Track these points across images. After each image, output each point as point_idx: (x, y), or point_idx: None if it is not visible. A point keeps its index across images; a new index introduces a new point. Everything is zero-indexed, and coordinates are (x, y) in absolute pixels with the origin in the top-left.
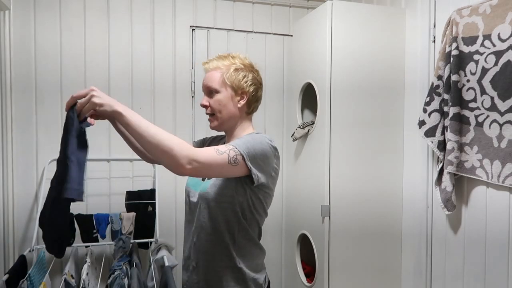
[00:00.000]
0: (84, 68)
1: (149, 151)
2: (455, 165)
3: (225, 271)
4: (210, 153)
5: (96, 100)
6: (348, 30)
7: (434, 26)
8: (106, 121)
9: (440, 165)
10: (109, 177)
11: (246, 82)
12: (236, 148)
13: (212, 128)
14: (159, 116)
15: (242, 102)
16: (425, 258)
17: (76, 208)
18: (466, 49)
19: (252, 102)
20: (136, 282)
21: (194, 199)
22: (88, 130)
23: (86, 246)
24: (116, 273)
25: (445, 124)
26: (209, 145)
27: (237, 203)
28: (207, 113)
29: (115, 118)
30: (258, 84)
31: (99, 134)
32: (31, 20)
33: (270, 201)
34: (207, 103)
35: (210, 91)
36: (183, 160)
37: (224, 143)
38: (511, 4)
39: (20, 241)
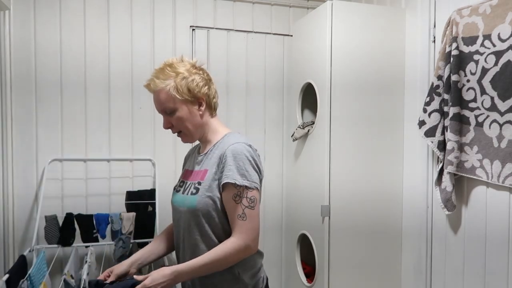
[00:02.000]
0: (84, 67)
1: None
2: (455, 165)
3: (224, 284)
4: (244, 228)
5: None
6: (348, 30)
7: (434, 26)
8: (106, 121)
9: (440, 165)
10: (109, 177)
11: (196, 87)
12: (243, 188)
13: (186, 142)
14: (159, 116)
15: (202, 108)
16: (425, 258)
17: (76, 208)
18: (466, 49)
19: (211, 102)
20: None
21: (181, 215)
22: (89, 130)
23: (86, 246)
24: None
25: (445, 124)
26: (184, 168)
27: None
28: (173, 133)
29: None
30: (207, 81)
31: (99, 134)
32: (31, 20)
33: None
34: (169, 124)
35: (166, 112)
36: (247, 252)
37: (198, 151)
38: (511, 4)
39: (20, 241)
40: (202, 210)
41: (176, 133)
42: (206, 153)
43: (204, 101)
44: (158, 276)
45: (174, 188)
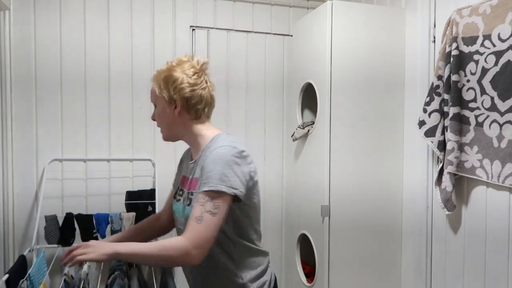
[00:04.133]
0: (84, 67)
1: (158, 265)
2: (455, 165)
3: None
4: (195, 230)
5: (86, 257)
6: (348, 30)
7: (434, 26)
8: (106, 121)
9: (440, 165)
10: (109, 177)
11: (175, 88)
12: (210, 191)
13: (164, 138)
14: None
15: (177, 110)
16: (425, 258)
17: (76, 208)
18: (466, 49)
19: (191, 106)
20: (136, 282)
21: (181, 226)
22: (89, 130)
23: None
24: (116, 273)
25: (445, 124)
26: (179, 175)
27: (226, 221)
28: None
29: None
30: (193, 85)
31: (99, 134)
32: (31, 20)
33: (258, 197)
34: (154, 117)
35: (154, 105)
36: (186, 259)
37: (190, 157)
38: (511, 4)
39: (20, 241)
40: None
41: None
42: (196, 160)
43: (179, 104)
44: (95, 248)
45: (174, 197)
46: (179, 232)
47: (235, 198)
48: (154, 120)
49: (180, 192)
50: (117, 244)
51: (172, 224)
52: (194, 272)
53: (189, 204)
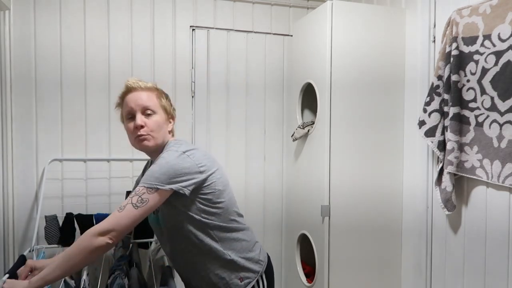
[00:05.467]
0: (84, 68)
1: (83, 265)
2: (455, 165)
3: (220, 269)
4: (112, 216)
5: None
6: (348, 30)
7: (434, 26)
8: (106, 121)
9: (440, 165)
10: (109, 177)
11: (171, 107)
12: (143, 186)
13: (148, 147)
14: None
15: (171, 126)
16: (425, 259)
17: (76, 208)
18: (466, 49)
19: (173, 126)
20: (136, 282)
21: (161, 235)
22: (89, 130)
23: None
24: (116, 273)
25: (445, 124)
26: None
27: (194, 213)
28: (140, 134)
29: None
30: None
31: (99, 134)
32: (31, 20)
33: (222, 183)
34: (143, 124)
35: (145, 111)
36: (99, 241)
37: (150, 164)
38: (511, 4)
39: (20, 241)
40: (172, 223)
41: (136, 135)
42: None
43: (174, 121)
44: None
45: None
46: (160, 240)
47: (179, 193)
48: (141, 126)
49: None
50: (35, 278)
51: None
52: (178, 259)
53: (156, 213)
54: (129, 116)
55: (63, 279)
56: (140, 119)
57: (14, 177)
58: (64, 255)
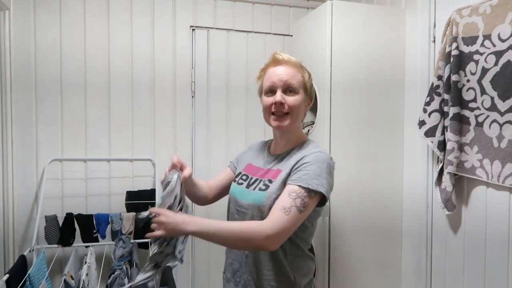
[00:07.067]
0: (84, 68)
1: (232, 248)
2: (455, 165)
3: (279, 285)
4: (280, 219)
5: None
6: (348, 30)
7: (434, 26)
8: (106, 121)
9: (440, 165)
10: (109, 177)
11: (312, 87)
12: (305, 188)
13: (282, 127)
14: (159, 116)
15: (307, 108)
16: (425, 258)
17: (76, 208)
18: (466, 49)
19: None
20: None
21: (243, 209)
22: (89, 130)
23: (86, 246)
24: (116, 273)
25: (445, 124)
26: (248, 163)
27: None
28: (277, 111)
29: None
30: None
31: (99, 134)
32: (31, 20)
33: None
34: (283, 101)
35: (287, 88)
36: (264, 243)
37: (268, 149)
38: (511, 4)
39: (20, 241)
40: (268, 207)
41: (272, 113)
42: (281, 154)
43: (311, 103)
44: (178, 220)
45: (235, 180)
46: (232, 214)
47: (318, 203)
48: (280, 102)
49: (244, 178)
50: (198, 221)
51: (212, 200)
52: (249, 263)
53: (262, 190)
54: (268, 90)
55: (63, 279)
56: (280, 95)
57: (14, 177)
58: (226, 227)
